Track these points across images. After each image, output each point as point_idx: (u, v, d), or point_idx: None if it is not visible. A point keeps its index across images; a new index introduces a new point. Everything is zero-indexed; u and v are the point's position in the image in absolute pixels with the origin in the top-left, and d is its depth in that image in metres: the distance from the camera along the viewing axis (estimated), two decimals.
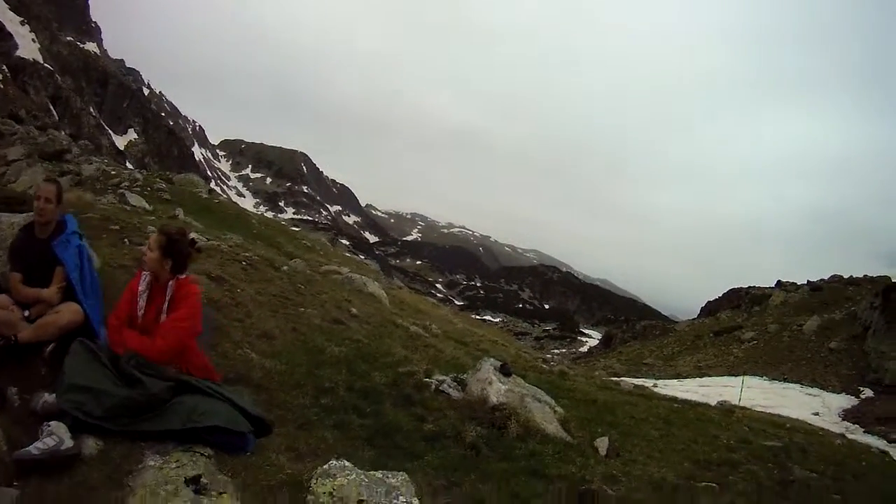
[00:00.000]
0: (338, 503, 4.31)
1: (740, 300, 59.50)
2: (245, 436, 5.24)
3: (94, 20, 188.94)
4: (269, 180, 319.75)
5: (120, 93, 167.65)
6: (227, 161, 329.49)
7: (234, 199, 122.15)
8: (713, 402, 17.44)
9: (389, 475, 4.64)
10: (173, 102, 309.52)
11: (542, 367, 17.10)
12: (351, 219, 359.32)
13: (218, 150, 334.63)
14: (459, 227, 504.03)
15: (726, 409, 15.68)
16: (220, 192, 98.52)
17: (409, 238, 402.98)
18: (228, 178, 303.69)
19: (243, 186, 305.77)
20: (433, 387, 8.83)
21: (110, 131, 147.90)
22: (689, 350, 47.13)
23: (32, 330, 5.59)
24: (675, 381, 33.31)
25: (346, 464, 4.61)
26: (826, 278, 53.35)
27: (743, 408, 17.61)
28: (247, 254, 14.78)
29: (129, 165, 77.63)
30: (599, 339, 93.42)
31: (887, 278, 42.30)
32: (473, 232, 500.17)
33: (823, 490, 9.18)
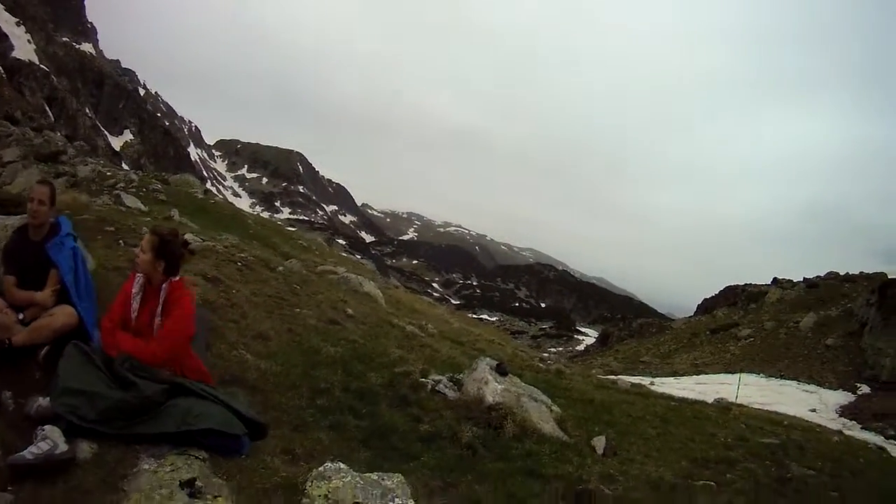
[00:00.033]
0: None
1: (737, 298, 59.60)
2: (240, 438, 5.22)
3: (89, 21, 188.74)
4: (264, 180, 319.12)
5: (116, 93, 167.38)
6: (223, 161, 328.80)
7: (229, 200, 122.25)
8: (710, 400, 17.46)
9: (385, 477, 4.62)
10: (169, 103, 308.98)
11: (538, 366, 17.10)
12: (347, 218, 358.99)
13: (214, 151, 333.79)
14: (455, 225, 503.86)
15: (723, 407, 15.70)
16: (215, 192, 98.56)
17: (406, 237, 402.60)
18: (224, 179, 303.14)
19: (239, 186, 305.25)
20: (429, 387, 8.82)
21: (106, 132, 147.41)
22: (685, 348, 47.21)
23: (27, 333, 5.56)
24: (671, 379, 33.32)
25: (342, 466, 4.59)
26: (822, 275, 53.42)
27: (740, 405, 17.64)
28: (242, 254, 14.75)
29: (124, 166, 77.49)
30: (596, 338, 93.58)
31: (883, 275, 42.39)
32: (469, 231, 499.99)
33: (821, 487, 9.19)
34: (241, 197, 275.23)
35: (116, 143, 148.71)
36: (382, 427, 7.16)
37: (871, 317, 33.59)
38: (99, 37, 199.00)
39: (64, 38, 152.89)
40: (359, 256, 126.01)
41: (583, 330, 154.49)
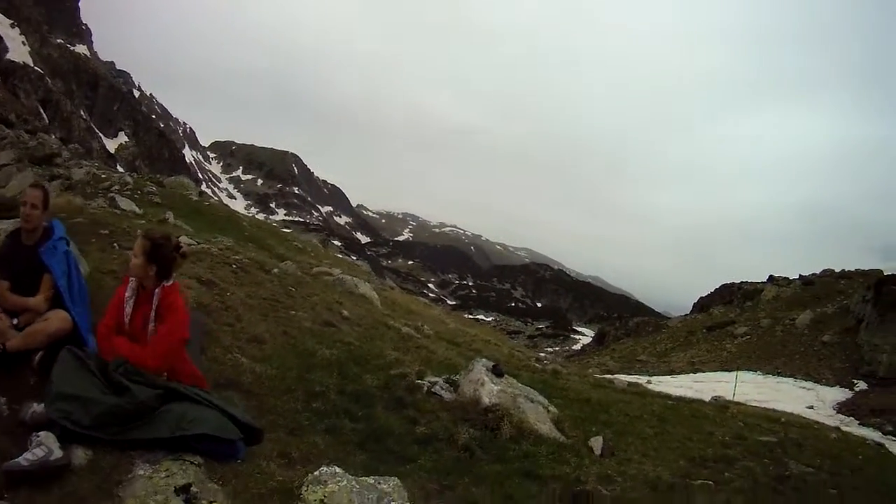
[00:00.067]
0: None
1: (732, 295, 59.65)
2: (235, 443, 5.19)
3: (84, 22, 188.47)
4: (259, 182, 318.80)
5: (110, 95, 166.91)
6: (218, 163, 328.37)
7: (224, 201, 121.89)
8: (707, 398, 17.44)
9: (381, 480, 4.61)
10: (164, 105, 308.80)
11: (535, 366, 17.09)
12: (342, 219, 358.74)
13: (209, 152, 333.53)
14: (451, 226, 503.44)
15: (721, 405, 15.69)
16: (210, 194, 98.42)
17: (401, 238, 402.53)
18: (219, 180, 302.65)
19: (234, 188, 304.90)
20: (425, 389, 8.81)
21: (101, 134, 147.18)
22: (682, 346, 47.21)
23: (21, 338, 5.54)
24: (668, 378, 33.29)
25: (337, 470, 4.58)
26: (818, 272, 53.49)
27: (737, 403, 17.63)
28: (237, 257, 14.72)
29: (119, 168, 77.46)
30: (593, 337, 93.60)
31: (879, 272, 42.45)
32: (465, 231, 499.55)
33: (820, 485, 9.18)
34: (236, 199, 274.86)
35: (111, 145, 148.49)
36: (378, 430, 7.13)
37: (868, 313, 33.61)
38: (93, 38, 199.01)
39: (58, 40, 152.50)
40: (354, 257, 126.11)
41: (579, 329, 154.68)
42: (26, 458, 4.28)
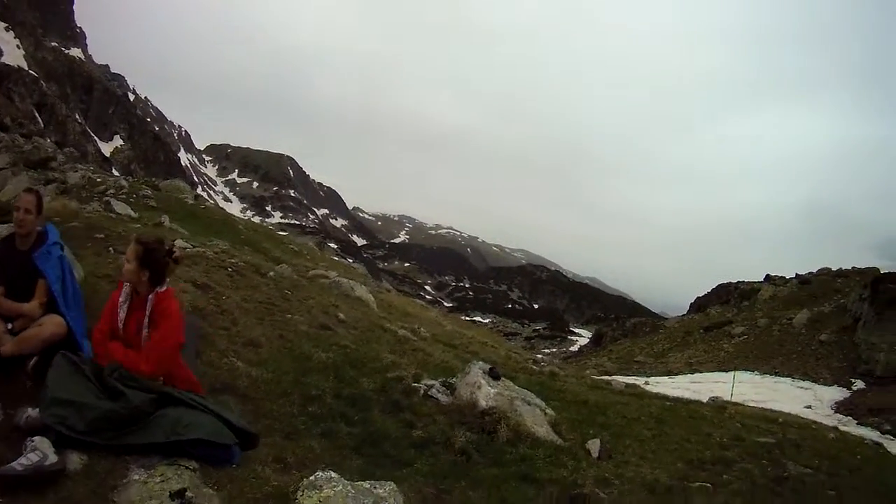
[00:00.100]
0: None
1: (729, 295, 59.70)
2: (230, 448, 5.18)
3: (78, 26, 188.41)
4: (255, 184, 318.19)
5: (105, 99, 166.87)
6: (214, 166, 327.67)
7: (220, 205, 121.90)
8: (705, 399, 17.46)
9: (377, 485, 4.59)
10: (159, 108, 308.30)
11: (532, 368, 17.10)
12: (338, 222, 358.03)
13: (204, 155, 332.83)
14: (447, 228, 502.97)
15: (718, 406, 15.70)
16: (206, 197, 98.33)
17: (397, 240, 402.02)
18: (215, 184, 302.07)
19: (230, 191, 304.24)
20: (422, 392, 8.80)
21: (96, 138, 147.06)
22: (679, 347, 47.24)
23: (15, 343, 5.52)
24: (666, 379, 33.31)
25: (333, 475, 4.56)
26: (814, 271, 53.52)
27: (735, 404, 17.63)
28: (233, 260, 14.69)
29: (114, 172, 77.31)
30: (590, 338, 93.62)
31: (876, 270, 42.52)
32: (461, 233, 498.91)
33: (819, 486, 9.17)
34: (231, 202, 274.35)
35: (106, 148, 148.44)
36: (375, 434, 7.12)
37: (865, 312, 33.64)
38: (88, 42, 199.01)
39: (53, 43, 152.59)
40: (350, 260, 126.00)
41: (576, 330, 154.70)
42: (21, 463, 4.26)
